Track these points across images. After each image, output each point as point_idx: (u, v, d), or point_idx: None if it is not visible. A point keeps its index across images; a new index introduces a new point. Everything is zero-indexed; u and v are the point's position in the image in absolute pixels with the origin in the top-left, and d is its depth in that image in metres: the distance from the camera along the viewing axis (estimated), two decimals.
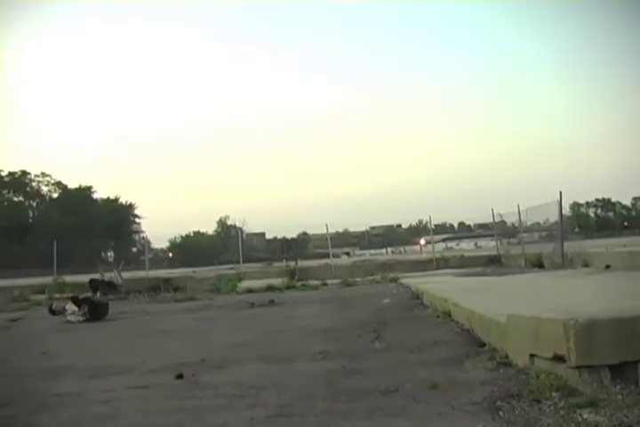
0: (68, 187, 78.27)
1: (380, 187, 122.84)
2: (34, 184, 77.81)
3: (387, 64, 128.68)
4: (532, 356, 4.24)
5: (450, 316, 7.34)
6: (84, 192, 78.83)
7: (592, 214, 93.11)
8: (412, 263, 22.18)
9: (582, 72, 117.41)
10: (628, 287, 7.66)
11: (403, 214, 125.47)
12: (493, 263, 20.30)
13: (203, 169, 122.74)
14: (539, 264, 16.12)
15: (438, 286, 10.42)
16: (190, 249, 64.03)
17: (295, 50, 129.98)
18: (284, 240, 60.17)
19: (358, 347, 6.03)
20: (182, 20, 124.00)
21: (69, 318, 10.69)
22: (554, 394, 3.62)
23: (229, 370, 5.31)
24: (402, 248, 66.62)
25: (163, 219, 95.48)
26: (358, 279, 17.58)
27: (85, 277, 17.14)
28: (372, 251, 64.02)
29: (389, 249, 68.20)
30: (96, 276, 17.22)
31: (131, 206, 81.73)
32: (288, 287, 16.25)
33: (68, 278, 19.70)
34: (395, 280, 15.69)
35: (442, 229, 68.13)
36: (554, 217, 17.75)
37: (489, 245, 36.24)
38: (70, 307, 10.91)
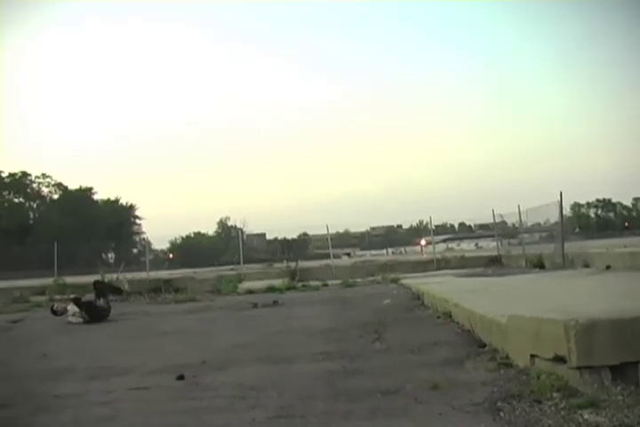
0: (69, 188, 78.51)
1: (380, 187, 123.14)
2: (34, 185, 78.00)
3: (387, 64, 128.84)
4: (532, 356, 4.24)
5: (450, 316, 7.33)
6: (85, 193, 78.95)
7: (593, 215, 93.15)
8: (412, 264, 22.18)
9: (582, 72, 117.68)
10: (629, 288, 7.65)
11: (403, 215, 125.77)
12: (494, 264, 20.26)
13: (203, 170, 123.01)
14: (539, 265, 16.11)
15: (439, 286, 10.41)
16: (191, 250, 64.07)
17: (295, 50, 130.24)
18: (285, 241, 60.05)
19: (359, 347, 6.02)
20: (182, 20, 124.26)
21: (70, 319, 10.71)
22: (555, 395, 3.61)
23: (230, 371, 5.31)
24: (402, 249, 66.63)
25: (163, 220, 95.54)
26: (359, 280, 17.58)
27: (86, 279, 17.12)
28: (373, 251, 64.16)
29: (390, 250, 68.30)
30: (97, 277, 17.14)
31: (131, 207, 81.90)
32: (289, 288, 16.24)
33: (69, 280, 19.68)
34: (395, 281, 15.70)
35: (442, 229, 68.09)
36: (554, 218, 17.77)
37: (489, 246, 36.28)
38: (72, 308, 10.92)
